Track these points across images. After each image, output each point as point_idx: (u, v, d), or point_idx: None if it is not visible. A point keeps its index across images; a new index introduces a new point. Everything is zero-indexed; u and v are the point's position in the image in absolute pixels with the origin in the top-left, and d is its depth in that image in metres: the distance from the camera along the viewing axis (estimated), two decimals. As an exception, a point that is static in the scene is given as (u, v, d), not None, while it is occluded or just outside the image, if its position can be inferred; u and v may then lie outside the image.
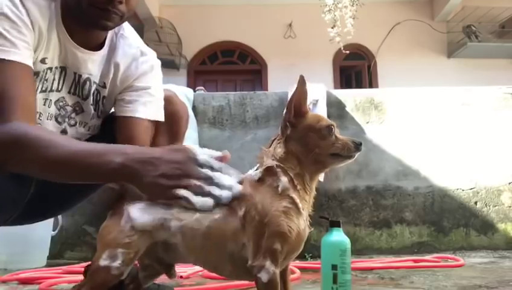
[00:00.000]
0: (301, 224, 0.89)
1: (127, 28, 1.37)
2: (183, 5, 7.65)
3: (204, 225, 0.90)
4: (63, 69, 1.26)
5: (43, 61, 1.20)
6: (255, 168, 0.98)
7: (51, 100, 1.27)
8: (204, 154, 0.91)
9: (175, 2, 7.66)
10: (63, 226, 2.82)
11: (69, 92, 1.30)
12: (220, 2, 7.59)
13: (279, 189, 0.89)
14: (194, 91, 3.43)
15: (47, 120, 1.29)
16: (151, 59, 1.39)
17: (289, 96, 3.16)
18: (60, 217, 2.65)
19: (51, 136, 1.01)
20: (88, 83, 1.31)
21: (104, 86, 1.35)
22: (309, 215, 0.95)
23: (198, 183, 0.86)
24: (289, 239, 0.86)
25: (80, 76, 1.29)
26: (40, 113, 1.26)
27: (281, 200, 0.88)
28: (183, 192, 0.86)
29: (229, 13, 7.64)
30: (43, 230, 2.51)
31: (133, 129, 1.31)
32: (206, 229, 0.90)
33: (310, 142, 0.94)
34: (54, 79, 1.25)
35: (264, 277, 0.84)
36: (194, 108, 3.14)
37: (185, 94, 3.09)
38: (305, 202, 0.92)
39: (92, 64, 1.29)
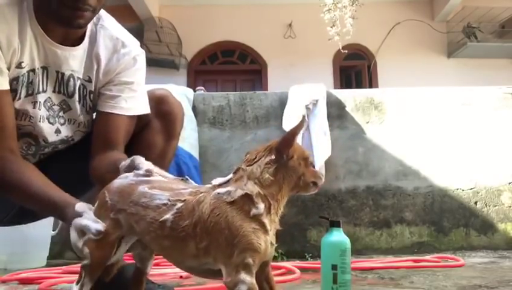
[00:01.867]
0: (267, 240, 0.90)
1: (106, 18, 1.35)
2: (183, 5, 7.65)
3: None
4: (45, 69, 1.25)
5: (19, 66, 1.19)
6: (224, 180, 0.95)
7: (40, 102, 1.27)
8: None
9: (175, 2, 7.66)
10: (63, 226, 2.82)
11: (53, 91, 1.29)
12: (220, 2, 7.59)
13: (251, 213, 0.89)
14: (194, 91, 3.43)
15: (40, 122, 1.28)
16: (133, 50, 1.36)
17: (290, 97, 3.17)
18: (60, 217, 2.65)
19: (21, 182, 1.16)
20: (72, 80, 1.30)
21: (90, 80, 1.33)
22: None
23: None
24: (259, 254, 0.88)
25: (63, 74, 1.28)
26: (31, 116, 1.26)
27: (250, 223, 0.88)
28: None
29: (229, 13, 7.64)
30: (43, 230, 2.51)
31: (110, 125, 1.31)
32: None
33: (299, 171, 0.97)
34: (39, 80, 1.24)
35: (242, 288, 0.85)
36: (194, 108, 3.14)
37: (185, 94, 3.09)
38: (274, 223, 0.94)
39: (73, 60, 1.27)
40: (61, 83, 1.29)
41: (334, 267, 1.18)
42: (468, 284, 1.66)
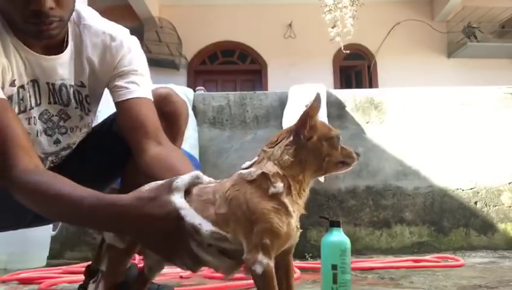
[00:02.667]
0: (291, 223, 0.88)
1: (87, 15, 1.28)
2: (183, 5, 7.65)
3: None
4: (35, 82, 1.22)
5: (12, 84, 1.16)
6: (250, 163, 0.95)
7: (34, 117, 1.24)
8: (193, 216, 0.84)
9: (175, 2, 7.66)
10: (63, 226, 2.82)
11: (49, 103, 1.26)
12: (220, 2, 7.59)
13: (270, 192, 0.88)
14: (194, 91, 3.43)
15: (37, 137, 1.26)
16: (124, 40, 1.30)
17: (290, 97, 3.17)
18: (60, 217, 2.65)
19: (55, 191, 0.98)
20: (64, 88, 1.26)
21: (83, 85, 1.29)
22: (301, 216, 0.95)
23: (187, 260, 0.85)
24: (278, 235, 0.86)
25: (53, 84, 1.24)
26: (28, 133, 1.22)
27: (269, 201, 0.88)
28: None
29: (229, 13, 7.64)
30: (43, 230, 2.50)
31: (139, 110, 1.23)
32: None
33: (323, 151, 0.96)
34: (30, 96, 1.21)
35: (258, 269, 0.84)
36: (194, 108, 3.14)
37: (185, 94, 3.09)
38: (297, 205, 0.92)
39: (61, 68, 1.23)
40: (54, 94, 1.25)
41: (334, 267, 1.18)
42: (468, 284, 1.66)
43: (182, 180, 0.89)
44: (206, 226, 0.84)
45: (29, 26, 1.09)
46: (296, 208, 0.91)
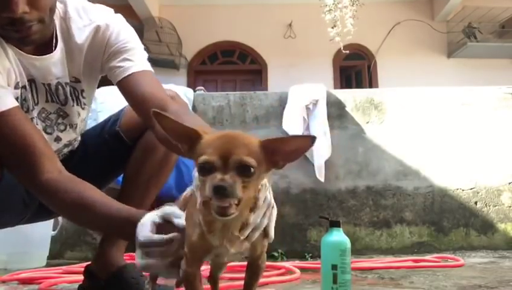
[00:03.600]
0: (204, 235, 0.86)
1: (70, 9, 1.25)
2: (183, 5, 7.65)
3: None
4: (32, 82, 1.22)
5: (17, 86, 1.17)
6: None
7: (34, 117, 1.25)
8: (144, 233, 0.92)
9: (175, 2, 7.66)
10: (63, 226, 2.82)
11: (46, 101, 1.26)
12: (220, 2, 7.58)
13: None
14: (194, 91, 3.43)
15: None
16: (108, 21, 1.27)
17: (290, 97, 3.17)
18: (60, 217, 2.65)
19: (81, 198, 1.05)
20: (60, 87, 1.27)
21: (77, 81, 1.29)
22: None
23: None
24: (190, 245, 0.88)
25: (50, 84, 1.24)
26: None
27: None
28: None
29: (229, 13, 7.64)
30: (43, 230, 2.51)
31: (139, 85, 1.21)
32: None
33: None
34: (31, 96, 1.22)
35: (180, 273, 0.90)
36: (194, 108, 3.14)
37: (185, 94, 3.09)
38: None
39: (54, 66, 1.23)
40: (51, 93, 1.26)
41: (334, 267, 1.18)
42: (468, 284, 1.66)
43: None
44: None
45: (9, 33, 1.07)
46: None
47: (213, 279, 1.14)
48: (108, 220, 1.03)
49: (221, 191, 0.74)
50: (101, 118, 1.53)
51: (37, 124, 1.25)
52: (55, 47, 1.22)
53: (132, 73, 1.23)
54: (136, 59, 1.25)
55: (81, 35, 1.25)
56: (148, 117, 1.15)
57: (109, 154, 1.45)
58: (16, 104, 1.10)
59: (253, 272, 0.97)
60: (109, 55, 1.27)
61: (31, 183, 1.07)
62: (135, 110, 1.26)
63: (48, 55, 1.21)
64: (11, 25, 1.04)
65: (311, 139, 0.81)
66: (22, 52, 1.17)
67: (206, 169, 0.77)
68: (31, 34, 1.08)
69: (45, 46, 1.20)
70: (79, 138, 1.44)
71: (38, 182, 1.06)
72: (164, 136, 0.90)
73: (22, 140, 1.07)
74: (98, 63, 1.29)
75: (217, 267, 1.12)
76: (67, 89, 1.28)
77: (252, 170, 0.77)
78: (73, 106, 1.31)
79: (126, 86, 1.23)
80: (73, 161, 1.41)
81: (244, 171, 0.76)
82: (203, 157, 0.77)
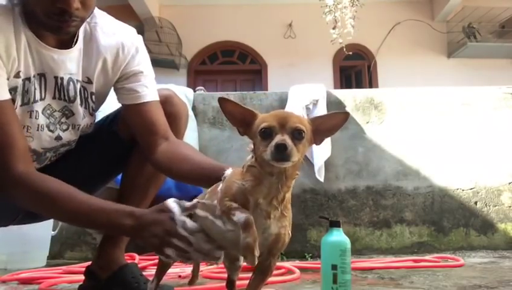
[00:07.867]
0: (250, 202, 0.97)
1: (98, 15, 1.32)
2: (183, 5, 7.65)
3: None
4: (42, 76, 1.23)
5: (17, 75, 1.17)
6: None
7: (37, 111, 1.24)
8: (181, 215, 1.00)
9: (175, 2, 7.66)
10: (63, 226, 2.82)
11: (53, 98, 1.27)
12: (220, 2, 7.59)
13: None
14: (194, 91, 3.43)
15: (38, 131, 1.26)
16: (133, 41, 1.35)
17: (290, 97, 3.17)
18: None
19: (59, 191, 1.09)
20: (72, 83, 1.28)
21: (90, 82, 1.31)
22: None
23: (179, 243, 0.98)
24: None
25: (62, 79, 1.26)
26: (28, 126, 1.23)
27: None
28: (169, 252, 0.99)
29: (229, 13, 7.64)
30: (43, 230, 2.51)
31: (150, 113, 1.31)
32: None
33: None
34: (35, 88, 1.22)
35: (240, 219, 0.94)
36: (194, 108, 3.14)
37: (184, 94, 3.09)
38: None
39: (70, 62, 1.26)
40: (60, 88, 1.26)
41: (334, 267, 1.18)
42: (468, 284, 1.66)
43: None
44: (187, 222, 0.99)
45: (50, 21, 1.12)
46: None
47: (230, 283, 1.16)
48: (96, 210, 1.07)
49: (281, 148, 0.87)
50: (99, 117, 1.52)
51: (36, 118, 1.25)
52: (74, 45, 1.26)
53: (146, 102, 1.32)
54: (150, 87, 1.34)
55: (103, 42, 1.29)
56: (150, 144, 1.29)
57: (107, 153, 1.45)
58: (7, 97, 1.13)
59: (261, 271, 0.98)
60: (125, 74, 1.33)
61: (6, 174, 1.09)
62: (139, 136, 1.34)
63: (66, 50, 1.24)
64: (59, 15, 1.10)
65: (348, 115, 0.99)
66: (43, 43, 1.20)
67: (266, 133, 0.91)
68: (70, 26, 1.14)
69: (65, 42, 1.24)
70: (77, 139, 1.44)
71: (15, 172, 1.08)
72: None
73: (4, 130, 1.10)
74: (114, 76, 1.33)
75: (232, 269, 1.14)
76: (78, 86, 1.30)
77: (304, 134, 0.91)
78: (80, 105, 1.32)
79: (137, 112, 1.32)
80: (70, 159, 1.41)
81: (298, 135, 0.91)
82: (264, 124, 0.91)
